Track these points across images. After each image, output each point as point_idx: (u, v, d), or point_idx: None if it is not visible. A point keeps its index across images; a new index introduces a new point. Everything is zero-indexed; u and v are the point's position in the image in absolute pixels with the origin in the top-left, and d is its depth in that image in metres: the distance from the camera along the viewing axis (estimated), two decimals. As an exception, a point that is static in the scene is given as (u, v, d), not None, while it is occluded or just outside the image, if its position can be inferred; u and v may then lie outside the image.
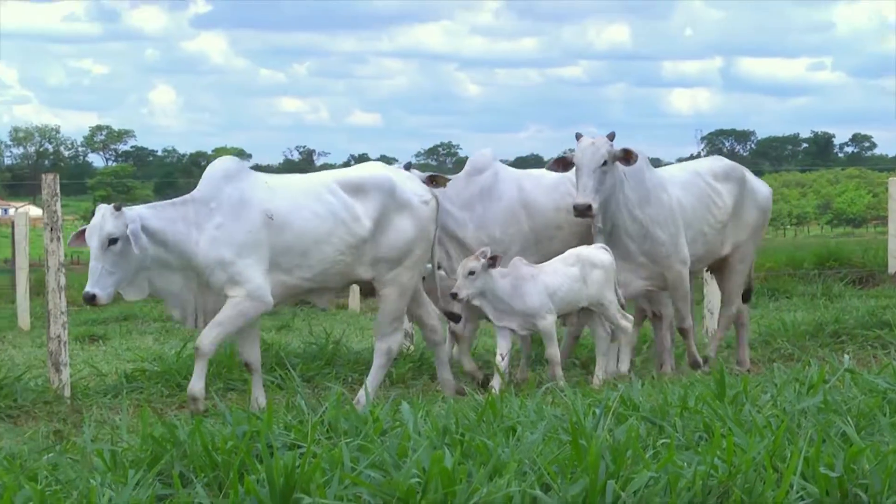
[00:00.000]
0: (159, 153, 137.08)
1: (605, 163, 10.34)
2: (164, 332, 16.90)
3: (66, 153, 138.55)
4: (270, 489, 5.16)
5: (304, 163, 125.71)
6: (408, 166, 10.88)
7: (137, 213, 9.59)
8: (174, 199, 9.97)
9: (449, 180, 10.98)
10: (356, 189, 10.18)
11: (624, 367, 10.37)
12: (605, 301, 10.29)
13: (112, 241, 9.39)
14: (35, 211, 24.04)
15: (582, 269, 10.24)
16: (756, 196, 11.83)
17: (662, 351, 11.55)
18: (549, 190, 11.40)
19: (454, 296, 10.13)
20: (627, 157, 10.44)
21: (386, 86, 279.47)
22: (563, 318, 10.85)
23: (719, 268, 11.97)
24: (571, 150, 10.53)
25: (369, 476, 5.48)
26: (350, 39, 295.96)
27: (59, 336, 11.38)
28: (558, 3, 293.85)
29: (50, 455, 6.59)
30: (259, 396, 9.98)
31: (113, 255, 9.42)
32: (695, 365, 11.03)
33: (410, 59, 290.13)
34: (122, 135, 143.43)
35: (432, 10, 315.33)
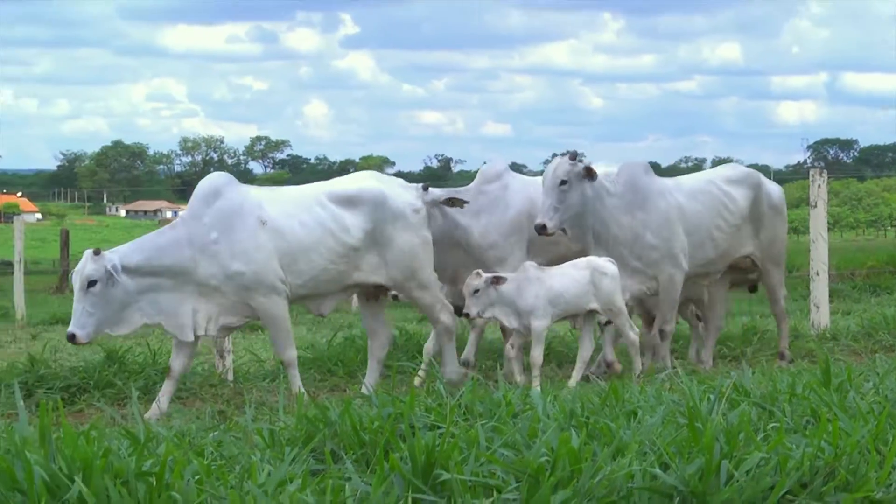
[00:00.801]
0: (312, 161, 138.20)
1: (562, 182, 10.23)
2: (316, 322, 17.01)
3: (230, 161, 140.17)
4: (413, 466, 5.17)
5: (442, 170, 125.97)
6: (425, 188, 10.58)
7: (119, 254, 9.41)
8: (162, 228, 9.89)
9: (467, 203, 10.73)
10: (347, 201, 10.00)
11: (637, 365, 10.22)
12: (614, 308, 10.12)
13: (91, 283, 9.24)
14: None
15: (592, 275, 10.08)
16: (771, 198, 11.62)
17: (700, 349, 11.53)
18: None
19: (467, 315, 10.01)
20: (589, 174, 10.33)
21: (516, 99, 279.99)
22: (572, 319, 10.77)
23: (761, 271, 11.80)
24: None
25: (503, 455, 5.48)
26: (484, 57, 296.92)
27: (223, 326, 11.53)
28: (675, 23, 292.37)
29: (215, 433, 6.67)
30: (163, 404, 9.54)
31: (93, 296, 9.26)
32: (660, 369, 10.52)
33: (539, 74, 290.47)
34: (279, 144, 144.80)
35: (560, 30, 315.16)
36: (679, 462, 5.28)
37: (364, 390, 9.57)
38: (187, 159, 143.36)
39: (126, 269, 9.31)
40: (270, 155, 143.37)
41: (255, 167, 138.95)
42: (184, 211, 9.91)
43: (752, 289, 12.49)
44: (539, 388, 9.26)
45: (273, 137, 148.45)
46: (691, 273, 10.96)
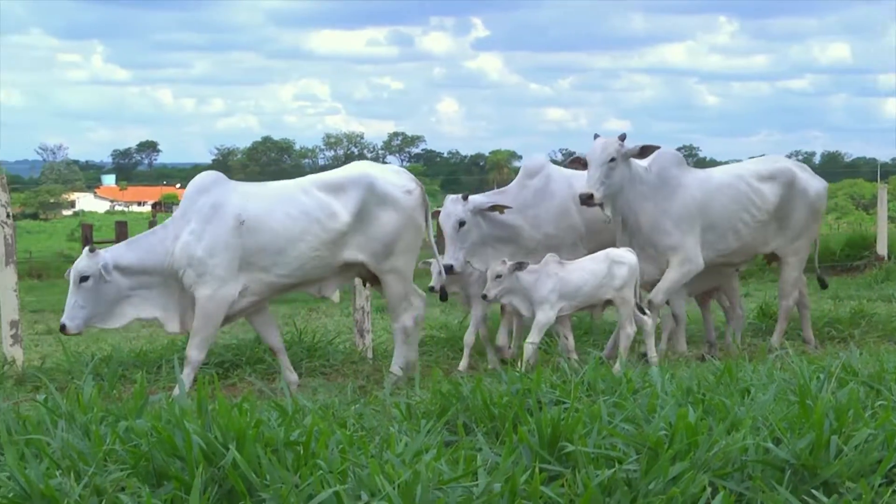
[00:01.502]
0: (445, 155, 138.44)
1: (612, 159, 9.98)
2: (448, 305, 17.04)
3: (369, 155, 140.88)
4: (539, 438, 5.16)
5: (566, 162, 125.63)
6: (465, 197, 10.37)
7: (112, 253, 9.28)
8: (155, 228, 9.67)
9: (509, 207, 10.38)
10: (334, 188, 9.70)
11: (651, 353, 9.86)
12: (624, 298, 9.85)
13: (83, 279, 9.15)
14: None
15: (609, 267, 9.84)
16: (807, 194, 11.18)
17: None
18: None
19: (484, 297, 9.74)
20: (642, 152, 10.10)
21: (636, 97, 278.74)
22: (589, 309, 10.53)
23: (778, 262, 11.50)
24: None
25: (623, 428, 5.45)
26: (606, 58, 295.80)
27: (363, 307, 11.60)
28: (787, 24, 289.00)
29: (356, 406, 6.71)
30: (288, 375, 9.63)
31: (85, 291, 9.14)
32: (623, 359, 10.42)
33: (657, 74, 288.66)
34: (414, 140, 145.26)
35: (677, 32, 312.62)
36: (790, 437, 5.21)
37: (391, 377, 9.46)
38: (330, 153, 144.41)
39: (118, 268, 9.18)
40: (406, 149, 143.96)
41: (393, 161, 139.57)
42: (175, 212, 9.70)
43: (824, 285, 12.20)
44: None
45: (409, 133, 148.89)
46: (713, 262, 10.76)
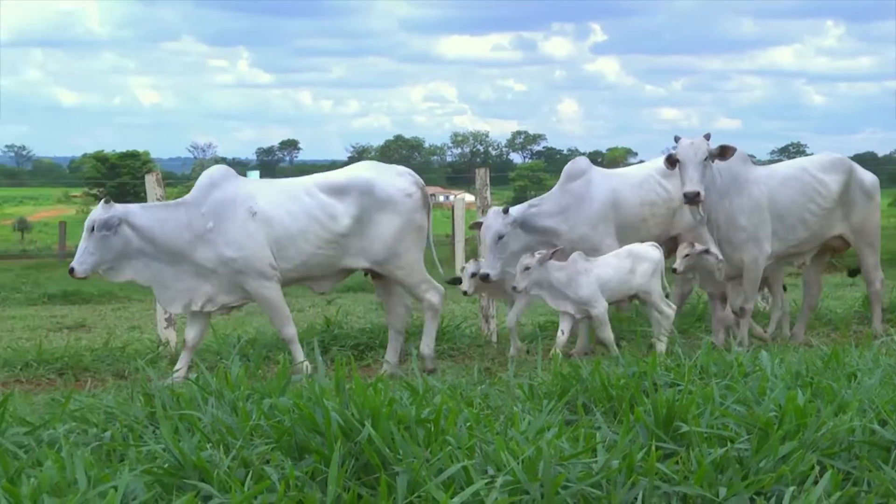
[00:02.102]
0: (565, 152, 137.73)
1: (706, 158, 9.72)
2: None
3: (493, 153, 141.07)
4: (655, 418, 5.13)
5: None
6: (506, 210, 10.25)
7: (125, 209, 9.29)
8: (168, 202, 9.68)
9: (559, 248, 9.79)
10: (336, 190, 9.56)
11: (661, 347, 9.60)
12: (650, 290, 9.74)
13: (95, 227, 9.18)
14: (469, 197, 24.51)
15: (632, 263, 9.73)
16: (864, 184, 10.97)
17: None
18: (635, 187, 10.85)
19: (514, 288, 9.57)
20: (724, 153, 9.81)
21: (746, 97, 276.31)
22: (616, 303, 10.30)
23: (820, 254, 11.23)
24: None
25: (735, 410, 5.40)
26: (717, 60, 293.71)
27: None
28: (892, 26, 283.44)
29: (482, 386, 6.72)
30: (181, 370, 9.32)
31: (95, 239, 9.17)
32: (741, 344, 10.07)
33: (766, 75, 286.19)
34: (536, 138, 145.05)
35: (786, 35, 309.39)
36: (896, 419, 5.12)
37: (385, 367, 9.40)
38: (457, 151, 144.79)
39: (128, 224, 9.21)
40: (529, 147, 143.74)
41: (516, 158, 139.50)
42: (187, 194, 9.68)
43: (852, 273, 11.97)
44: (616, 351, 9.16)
45: (531, 132, 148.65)
46: (784, 253, 10.58)
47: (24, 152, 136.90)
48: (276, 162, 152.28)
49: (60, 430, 5.38)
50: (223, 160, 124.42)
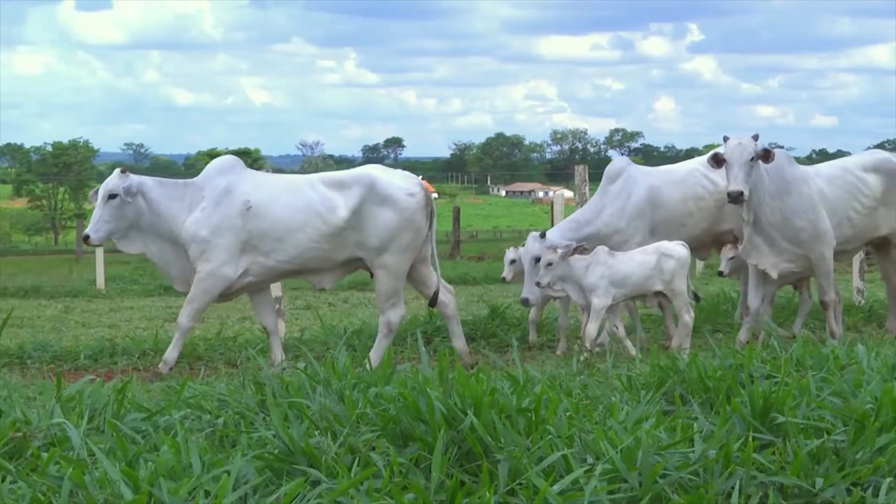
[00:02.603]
0: (661, 149, 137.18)
1: (752, 158, 9.49)
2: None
3: (591, 150, 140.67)
4: (752, 409, 5.06)
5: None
6: (543, 234, 9.94)
7: (140, 180, 9.38)
8: (178, 181, 9.68)
9: (585, 248, 9.65)
10: (338, 184, 9.51)
11: (680, 344, 9.44)
12: (675, 288, 9.52)
13: (112, 196, 9.26)
14: (568, 193, 24.49)
15: (658, 260, 9.50)
16: None
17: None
18: (677, 183, 10.56)
19: (538, 283, 9.44)
20: (766, 156, 9.54)
21: (842, 95, 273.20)
22: (642, 299, 10.04)
23: (883, 248, 10.92)
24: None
25: (831, 401, 5.31)
26: (813, 59, 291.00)
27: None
28: None
29: (581, 377, 6.69)
30: (277, 355, 9.54)
31: (111, 208, 9.28)
32: (832, 335, 9.97)
33: (862, 73, 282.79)
34: (633, 135, 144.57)
35: (881, 34, 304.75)
36: None
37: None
38: (556, 148, 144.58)
39: (142, 194, 9.30)
40: (626, 144, 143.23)
41: (613, 154, 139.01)
42: (195, 178, 9.72)
43: None
44: (586, 355, 8.95)
45: (629, 129, 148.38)
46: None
47: (142, 150, 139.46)
48: (381, 159, 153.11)
49: (176, 416, 5.45)
50: (330, 157, 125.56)
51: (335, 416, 5.07)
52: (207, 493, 4.22)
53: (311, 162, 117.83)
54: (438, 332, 10.67)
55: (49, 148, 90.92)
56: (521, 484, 4.34)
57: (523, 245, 10.15)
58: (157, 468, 4.36)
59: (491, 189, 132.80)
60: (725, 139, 9.67)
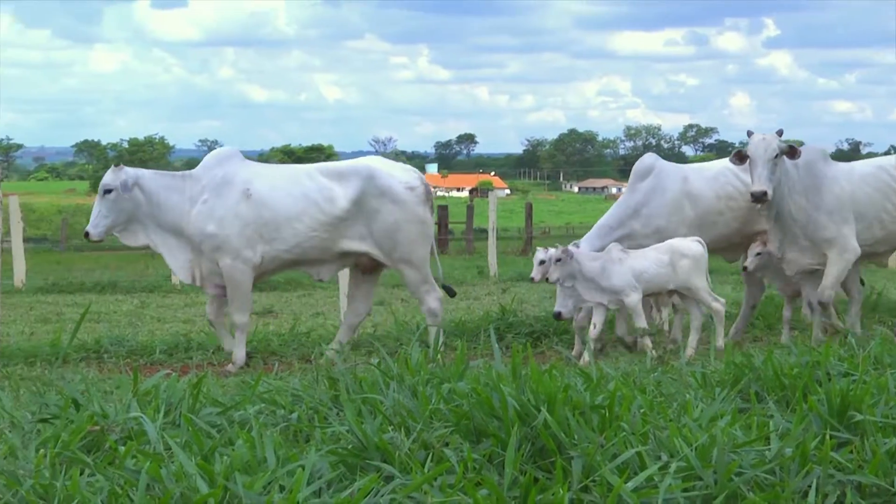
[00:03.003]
0: (737, 145, 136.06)
1: (776, 155, 9.30)
2: (740, 282, 16.69)
3: (665, 146, 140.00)
4: (829, 407, 5.01)
5: (851, 151, 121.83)
6: (577, 246, 9.71)
7: (136, 172, 9.44)
8: (175, 173, 9.71)
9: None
10: (337, 175, 9.54)
11: (719, 342, 9.32)
12: (692, 286, 9.40)
13: (107, 190, 9.32)
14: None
15: (671, 258, 9.37)
16: None
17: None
18: (709, 180, 10.32)
19: (547, 279, 9.38)
20: (792, 152, 9.36)
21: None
22: (654, 297, 9.92)
23: None
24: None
25: (910, 400, 5.25)
26: (890, 54, 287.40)
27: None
28: None
29: (654, 374, 6.67)
30: (225, 342, 9.66)
31: (108, 202, 9.36)
32: (816, 339, 9.57)
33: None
34: (707, 131, 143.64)
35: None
36: None
37: (329, 353, 9.14)
38: (630, 144, 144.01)
39: (139, 186, 9.37)
40: (700, 140, 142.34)
41: (687, 150, 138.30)
42: (194, 169, 9.74)
43: None
44: (650, 350, 9.02)
45: (703, 125, 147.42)
46: (861, 253, 9.96)
47: (217, 146, 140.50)
48: (453, 155, 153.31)
49: (251, 410, 5.50)
50: (402, 153, 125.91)
51: (408, 411, 5.08)
52: (282, 488, 4.26)
53: (395, 155, 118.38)
54: (511, 328, 10.66)
55: (125, 144, 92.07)
56: (594, 481, 4.32)
57: (555, 246, 10.10)
58: (233, 462, 4.40)
59: (563, 185, 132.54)
60: (749, 134, 9.51)
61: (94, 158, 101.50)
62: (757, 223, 10.27)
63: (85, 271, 22.88)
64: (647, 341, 9.29)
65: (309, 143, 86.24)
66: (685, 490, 4.27)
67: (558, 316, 9.67)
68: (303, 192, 9.48)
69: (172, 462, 4.40)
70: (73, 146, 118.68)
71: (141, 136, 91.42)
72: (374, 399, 5.30)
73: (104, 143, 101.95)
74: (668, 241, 9.68)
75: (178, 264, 9.67)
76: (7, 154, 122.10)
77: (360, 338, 10.45)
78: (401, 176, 9.67)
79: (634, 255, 9.50)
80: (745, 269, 10.01)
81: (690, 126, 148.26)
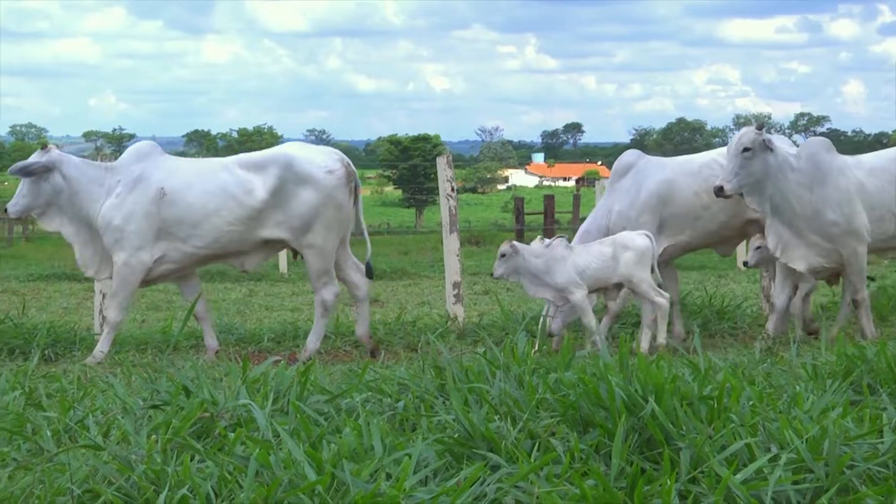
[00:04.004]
0: (849, 133, 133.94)
1: (745, 150, 8.95)
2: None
3: (776, 134, 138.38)
4: (944, 400, 4.92)
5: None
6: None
7: (60, 156, 9.29)
8: (102, 164, 9.53)
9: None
10: (255, 166, 9.31)
11: (660, 338, 9.06)
12: (634, 279, 9.11)
13: (29, 171, 9.20)
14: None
15: (615, 251, 9.11)
16: None
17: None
18: (692, 174, 9.87)
19: (491, 275, 9.25)
20: (768, 148, 9.02)
21: None
22: (603, 292, 9.56)
23: None
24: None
25: None
26: None
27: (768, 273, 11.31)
28: None
29: (764, 365, 6.59)
30: (209, 341, 9.59)
31: (29, 183, 9.22)
32: (863, 335, 9.28)
33: None
34: (819, 120, 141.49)
35: None
36: None
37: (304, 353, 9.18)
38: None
39: (60, 172, 9.24)
40: (812, 129, 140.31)
41: (799, 139, 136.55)
42: (115, 162, 9.60)
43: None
44: (601, 346, 8.68)
45: (815, 113, 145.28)
46: (872, 248, 9.53)
47: (324, 136, 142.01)
48: (559, 145, 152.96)
49: (357, 399, 5.54)
50: (509, 143, 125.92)
51: (515, 401, 5.08)
52: (389, 476, 4.29)
53: (490, 147, 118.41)
54: (618, 319, 10.60)
55: (235, 134, 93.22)
56: (702, 472, 4.29)
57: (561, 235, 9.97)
58: (340, 450, 4.44)
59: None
60: (741, 124, 9.18)
61: (204, 148, 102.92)
62: (746, 214, 9.90)
63: (195, 260, 23.21)
64: (597, 339, 9.11)
65: (415, 133, 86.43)
66: (795, 483, 4.22)
67: (550, 334, 9.42)
68: (220, 187, 9.34)
69: (281, 449, 4.46)
70: (183, 136, 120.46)
71: (250, 127, 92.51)
72: (480, 388, 5.31)
73: (214, 132, 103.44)
74: (613, 236, 9.55)
75: (87, 257, 9.56)
76: (120, 144, 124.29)
77: (465, 327, 10.47)
78: (320, 160, 9.50)
79: (578, 251, 9.39)
80: (745, 264, 9.66)
81: (802, 114, 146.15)
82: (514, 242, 9.42)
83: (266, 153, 9.68)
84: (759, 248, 9.71)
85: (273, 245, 9.71)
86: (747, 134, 9.14)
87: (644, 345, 9.20)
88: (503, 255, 9.30)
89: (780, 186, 9.21)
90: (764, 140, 9.10)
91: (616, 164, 10.34)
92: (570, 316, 9.50)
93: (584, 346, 9.03)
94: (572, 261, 9.28)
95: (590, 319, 9.23)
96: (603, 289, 9.54)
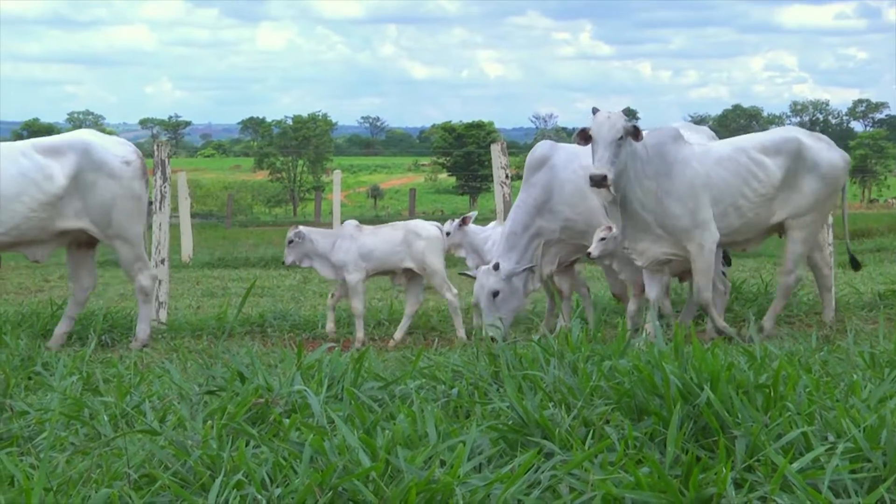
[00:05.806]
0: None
1: (620, 137, 8.48)
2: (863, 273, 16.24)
3: (833, 121, 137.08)
4: None
5: None
6: (496, 266, 9.33)
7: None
8: None
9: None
10: (53, 151, 9.17)
11: (400, 333, 9.47)
12: (429, 268, 9.39)
13: None
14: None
15: (406, 236, 9.36)
16: (818, 167, 9.26)
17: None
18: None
19: (283, 262, 9.61)
20: (636, 134, 8.55)
21: None
22: (390, 275, 9.85)
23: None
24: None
25: None
26: None
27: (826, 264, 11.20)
28: None
29: (820, 353, 6.54)
30: (64, 325, 9.55)
31: None
32: (719, 333, 9.00)
33: None
34: (878, 106, 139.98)
35: None
36: None
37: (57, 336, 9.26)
38: (796, 120, 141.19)
39: None
40: (870, 115, 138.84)
41: (857, 126, 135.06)
42: None
43: (855, 266, 10.43)
44: (361, 334, 9.54)
45: (873, 100, 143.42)
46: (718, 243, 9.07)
47: (378, 123, 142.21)
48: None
49: (411, 385, 5.56)
50: (563, 130, 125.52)
51: (569, 388, 5.08)
52: (443, 463, 4.29)
53: (545, 135, 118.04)
54: (672, 306, 10.55)
55: (289, 122, 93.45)
56: (758, 460, 4.26)
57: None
58: (394, 436, 4.46)
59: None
60: (595, 111, 8.73)
61: (259, 135, 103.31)
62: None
63: (250, 247, 23.37)
64: (461, 335, 9.51)
65: (469, 120, 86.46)
66: (852, 471, 4.18)
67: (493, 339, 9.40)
68: (20, 171, 9.13)
69: (335, 435, 4.48)
70: (238, 123, 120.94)
71: (305, 114, 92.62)
72: (534, 375, 5.31)
73: (269, 120, 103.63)
74: (405, 222, 9.84)
75: None
76: (175, 131, 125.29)
77: (518, 315, 10.46)
78: (116, 150, 9.47)
79: (366, 232, 9.65)
80: (589, 255, 9.21)
81: (860, 101, 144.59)
82: (301, 228, 9.71)
83: (62, 138, 9.64)
84: (602, 238, 9.19)
85: (67, 235, 9.56)
86: (620, 120, 8.64)
87: (398, 335, 9.65)
88: (290, 242, 9.64)
89: (632, 177, 8.80)
90: (631, 128, 8.66)
91: (529, 159, 9.84)
92: (694, 311, 9.37)
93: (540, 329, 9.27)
94: (361, 241, 9.58)
95: (358, 304, 9.60)
96: (391, 272, 9.87)
